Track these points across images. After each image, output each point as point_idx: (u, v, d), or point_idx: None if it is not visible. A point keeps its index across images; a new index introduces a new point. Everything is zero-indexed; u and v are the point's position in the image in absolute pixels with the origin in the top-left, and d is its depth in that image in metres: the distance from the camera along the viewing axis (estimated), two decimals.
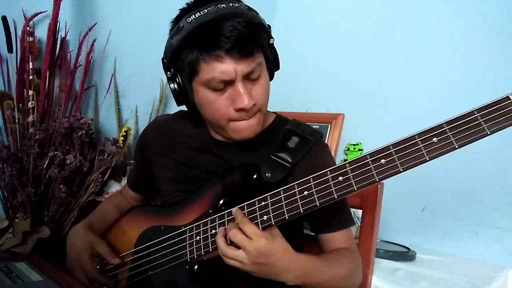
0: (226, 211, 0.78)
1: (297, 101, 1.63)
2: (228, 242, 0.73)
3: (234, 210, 0.74)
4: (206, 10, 0.75)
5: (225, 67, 0.75)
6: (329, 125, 1.59)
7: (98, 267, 0.92)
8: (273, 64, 0.85)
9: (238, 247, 0.71)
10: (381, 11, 1.52)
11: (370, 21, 1.55)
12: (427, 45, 1.42)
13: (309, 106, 1.66)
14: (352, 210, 1.41)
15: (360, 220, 1.05)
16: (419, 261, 1.27)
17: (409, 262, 1.25)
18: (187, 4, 0.80)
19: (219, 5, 0.75)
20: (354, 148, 1.55)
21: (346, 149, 1.57)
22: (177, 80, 0.82)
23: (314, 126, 0.91)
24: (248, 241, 0.69)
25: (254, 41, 0.76)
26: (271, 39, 0.82)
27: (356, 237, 1.15)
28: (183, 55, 0.78)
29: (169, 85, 0.83)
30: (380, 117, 1.50)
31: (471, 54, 1.33)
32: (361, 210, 1.05)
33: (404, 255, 1.26)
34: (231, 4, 0.76)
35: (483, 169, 1.27)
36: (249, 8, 0.79)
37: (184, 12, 0.78)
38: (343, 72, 1.59)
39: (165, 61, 0.82)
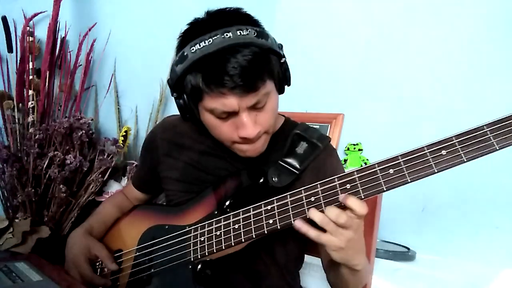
0: (232, 213, 0.78)
1: (297, 101, 1.63)
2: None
3: (344, 195, 0.67)
4: (211, 40, 0.71)
5: (228, 101, 0.73)
6: (329, 125, 1.59)
7: (98, 265, 0.93)
8: (283, 82, 0.83)
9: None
10: (381, 11, 1.52)
11: (370, 21, 1.55)
12: (427, 45, 1.42)
13: (309, 106, 1.66)
14: None
15: None
16: (419, 261, 1.27)
17: (409, 262, 1.25)
18: (194, 20, 0.78)
19: (225, 35, 0.71)
20: (354, 148, 1.55)
21: (346, 149, 1.57)
22: (184, 99, 0.80)
23: (314, 126, 0.92)
24: (356, 220, 0.66)
25: (259, 75, 0.74)
26: (282, 59, 0.80)
27: None
28: (187, 82, 0.76)
29: (176, 102, 0.82)
30: (380, 117, 1.50)
31: (472, 54, 1.33)
32: None
33: (404, 255, 1.26)
34: (238, 33, 0.72)
35: (483, 169, 1.27)
36: (259, 34, 0.74)
37: (189, 37, 0.75)
38: (343, 72, 1.59)
39: (170, 83, 0.81)
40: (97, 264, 0.93)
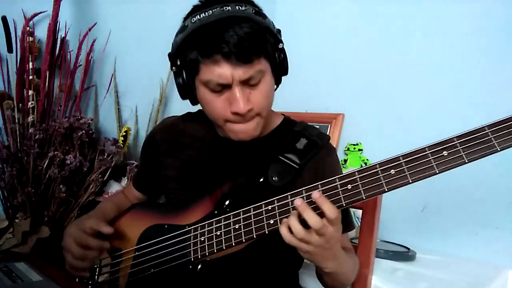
0: (232, 213, 0.78)
1: (297, 101, 1.63)
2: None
3: (316, 194, 0.68)
4: (211, 11, 0.75)
5: (222, 71, 0.75)
6: (329, 125, 1.59)
7: (97, 266, 0.92)
8: (280, 69, 0.83)
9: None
10: (381, 11, 1.52)
11: (370, 21, 1.55)
12: (427, 45, 1.42)
13: (309, 106, 1.66)
14: (352, 210, 1.41)
15: (360, 220, 1.05)
16: (419, 261, 1.27)
17: (409, 262, 1.25)
18: (198, 2, 0.81)
19: (224, 8, 0.75)
20: (354, 148, 1.55)
21: (346, 149, 1.57)
22: (182, 75, 0.82)
23: (314, 126, 0.92)
24: (328, 226, 0.67)
25: (255, 48, 0.75)
26: (280, 44, 0.81)
27: (356, 237, 1.15)
28: (186, 53, 0.79)
29: (175, 79, 0.84)
30: (380, 117, 1.50)
31: (471, 54, 1.33)
32: (361, 210, 1.06)
33: (404, 255, 1.26)
34: (237, 8, 0.75)
35: (483, 169, 1.26)
36: (257, 12, 0.78)
37: (192, 11, 0.79)
38: (343, 72, 1.59)
39: (170, 55, 0.83)
40: (96, 265, 0.93)
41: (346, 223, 0.88)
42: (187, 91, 0.84)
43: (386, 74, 1.49)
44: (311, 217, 0.67)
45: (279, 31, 0.83)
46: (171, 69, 0.83)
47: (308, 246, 0.69)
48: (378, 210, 1.03)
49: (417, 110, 1.41)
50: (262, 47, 0.77)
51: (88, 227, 0.88)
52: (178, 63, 0.82)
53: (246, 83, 0.77)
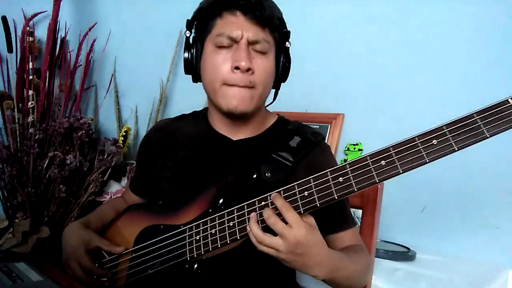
0: (226, 211, 0.78)
1: (297, 101, 1.63)
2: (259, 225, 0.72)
3: (274, 194, 0.72)
4: None
5: (238, 22, 0.80)
6: (329, 125, 1.59)
7: (96, 264, 0.92)
8: (282, 69, 0.88)
9: (273, 233, 0.69)
10: (381, 11, 1.52)
11: (370, 21, 1.55)
12: (427, 45, 1.42)
13: (309, 106, 1.66)
14: (352, 210, 1.41)
15: (360, 220, 1.05)
16: (419, 261, 1.27)
17: (409, 262, 1.25)
18: None
19: None
20: (354, 148, 1.55)
21: (346, 149, 1.57)
22: (193, 42, 0.86)
23: (314, 126, 0.92)
24: (288, 229, 0.67)
25: (270, 16, 0.81)
26: (287, 43, 0.87)
27: None
28: (206, 14, 0.83)
29: (184, 49, 0.88)
30: (380, 117, 1.50)
31: (471, 54, 1.33)
32: (361, 210, 1.06)
33: (404, 255, 1.26)
34: None
35: (483, 169, 1.26)
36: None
37: None
38: (343, 72, 1.59)
39: (189, 19, 0.87)
40: (95, 263, 0.93)
41: (344, 220, 0.88)
42: (194, 61, 0.86)
43: (386, 74, 1.49)
44: (265, 212, 0.69)
45: (289, 32, 0.88)
46: (185, 34, 0.86)
47: (276, 253, 0.69)
48: (378, 210, 1.03)
49: (417, 110, 1.41)
50: (275, 24, 0.83)
51: (94, 246, 0.90)
52: (194, 27, 0.86)
53: (253, 46, 0.81)
